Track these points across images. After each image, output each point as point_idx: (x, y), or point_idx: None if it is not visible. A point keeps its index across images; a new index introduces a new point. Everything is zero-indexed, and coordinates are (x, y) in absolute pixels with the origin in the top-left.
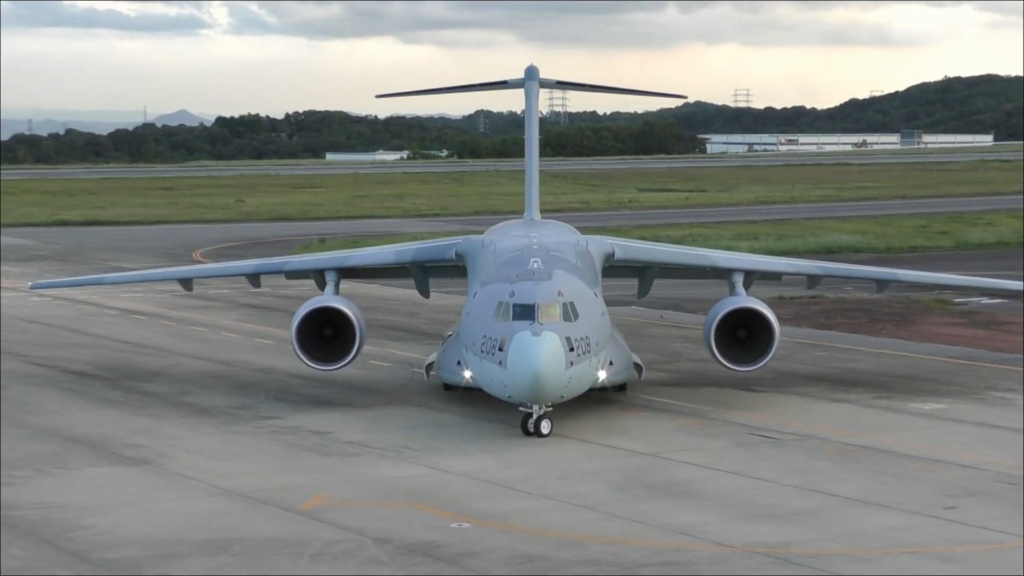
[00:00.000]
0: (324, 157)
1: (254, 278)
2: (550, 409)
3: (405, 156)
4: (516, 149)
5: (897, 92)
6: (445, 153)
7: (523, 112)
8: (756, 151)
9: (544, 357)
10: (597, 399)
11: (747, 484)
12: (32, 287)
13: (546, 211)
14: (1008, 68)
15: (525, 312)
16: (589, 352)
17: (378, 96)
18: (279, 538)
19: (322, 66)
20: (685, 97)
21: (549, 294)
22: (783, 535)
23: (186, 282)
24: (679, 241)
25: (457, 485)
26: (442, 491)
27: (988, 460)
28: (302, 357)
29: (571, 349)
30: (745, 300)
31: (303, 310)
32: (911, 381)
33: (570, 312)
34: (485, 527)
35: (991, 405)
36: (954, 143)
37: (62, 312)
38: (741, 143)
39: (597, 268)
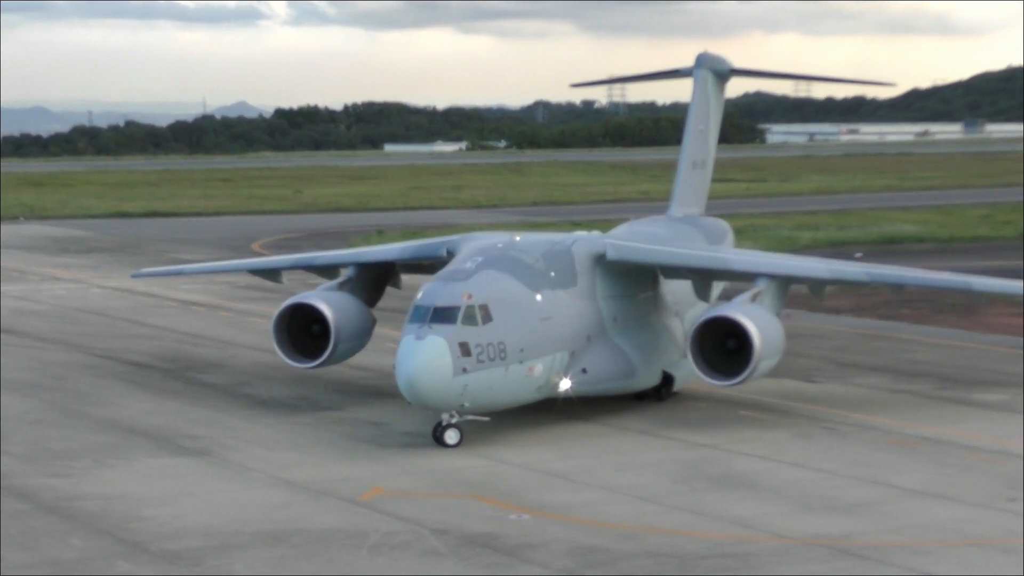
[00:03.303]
0: (383, 148)
1: (273, 274)
2: (456, 418)
3: (464, 147)
4: (574, 140)
5: (960, 81)
6: (504, 144)
7: (582, 103)
8: (817, 140)
9: (420, 362)
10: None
11: (807, 476)
12: (133, 276)
13: (606, 202)
14: None
15: (418, 314)
16: (505, 359)
17: (573, 85)
18: (338, 529)
19: (380, 57)
20: (894, 84)
21: (451, 296)
22: (844, 527)
23: (273, 273)
24: (739, 231)
25: (515, 476)
26: (500, 482)
27: None
28: (280, 353)
29: (466, 355)
30: (729, 308)
31: (281, 306)
32: (974, 372)
33: (476, 316)
34: (544, 519)
35: None
36: (1018, 132)
37: (122, 303)
38: (802, 132)
39: (579, 270)
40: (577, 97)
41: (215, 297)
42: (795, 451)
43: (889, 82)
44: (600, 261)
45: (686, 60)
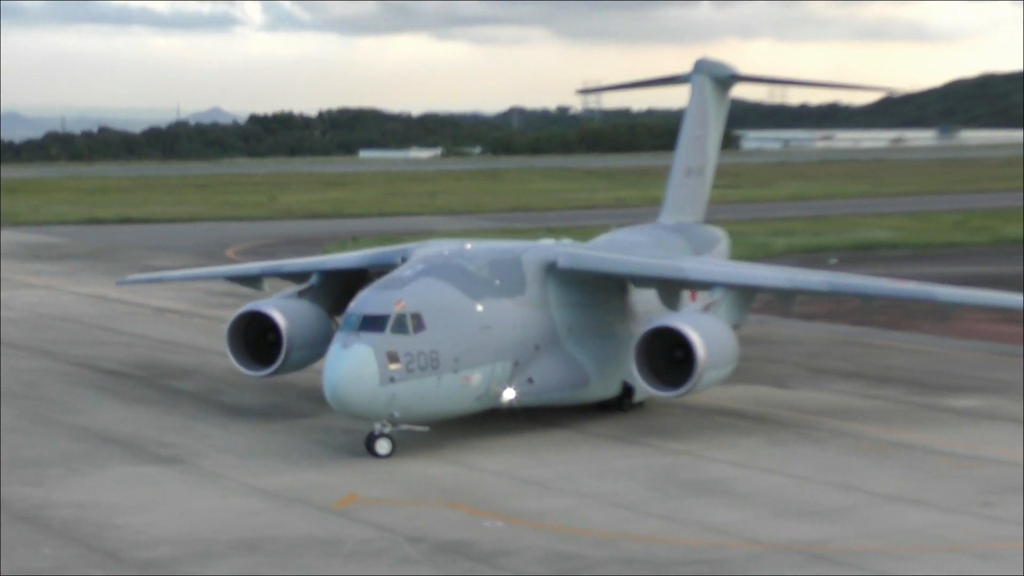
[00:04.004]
0: (357, 154)
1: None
2: (388, 428)
3: (439, 153)
4: (550, 146)
5: (934, 88)
6: (479, 150)
7: (557, 109)
8: (791, 147)
9: (345, 371)
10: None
11: (782, 482)
12: (119, 283)
13: (581, 208)
14: None
15: (348, 322)
16: (438, 368)
17: (579, 91)
18: (312, 537)
19: (355, 63)
20: (891, 89)
21: (382, 304)
22: (818, 533)
23: (254, 280)
24: None
25: (489, 483)
26: (474, 489)
27: None
28: (233, 361)
29: (394, 363)
30: (675, 318)
31: (236, 314)
32: (947, 377)
33: (407, 324)
34: (518, 525)
35: None
36: (991, 139)
37: (95, 310)
38: (776, 139)
39: (528, 278)
40: (552, 103)
41: (190, 304)
42: (769, 457)
43: (901, 88)
44: (552, 270)
45: (662, 65)
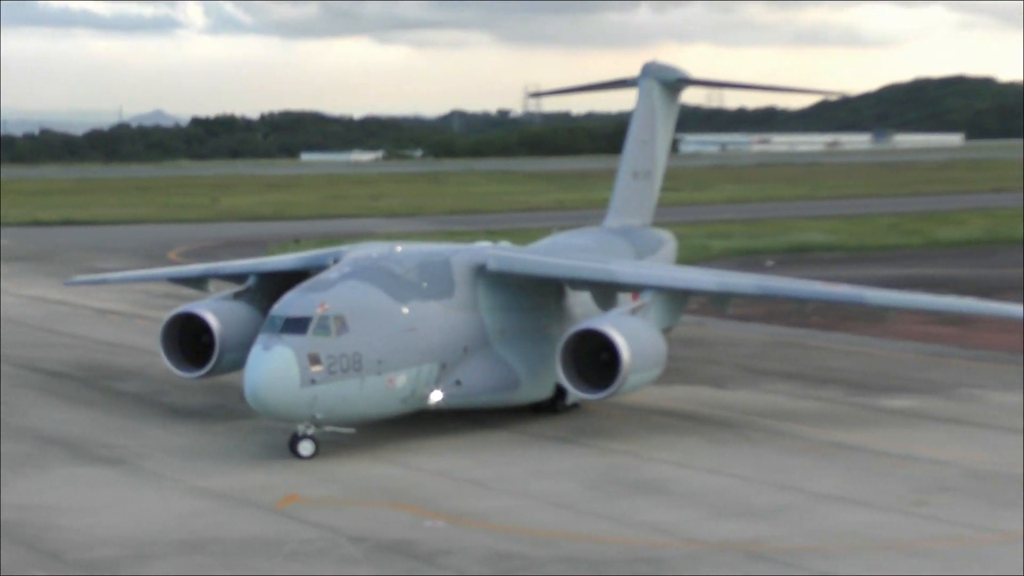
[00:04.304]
0: (299, 157)
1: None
2: (312, 429)
3: (380, 156)
4: (490, 149)
5: (868, 92)
6: (420, 153)
7: (498, 112)
8: (729, 150)
9: (265, 373)
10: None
11: (720, 481)
12: (66, 284)
13: (522, 210)
14: (977, 68)
15: (270, 324)
16: (361, 370)
17: (532, 95)
18: (255, 537)
19: (297, 66)
20: (841, 93)
21: (305, 307)
22: (755, 532)
23: (198, 281)
24: None
25: (431, 483)
26: (416, 490)
27: (958, 456)
28: (166, 361)
29: (316, 365)
30: (600, 320)
31: (169, 315)
32: (882, 378)
33: (330, 326)
34: (460, 525)
35: (960, 401)
36: (925, 142)
37: (38, 312)
38: (714, 142)
39: (457, 281)
40: (493, 107)
41: (132, 305)
42: (707, 457)
43: (842, 91)
44: (482, 272)
45: (602, 69)
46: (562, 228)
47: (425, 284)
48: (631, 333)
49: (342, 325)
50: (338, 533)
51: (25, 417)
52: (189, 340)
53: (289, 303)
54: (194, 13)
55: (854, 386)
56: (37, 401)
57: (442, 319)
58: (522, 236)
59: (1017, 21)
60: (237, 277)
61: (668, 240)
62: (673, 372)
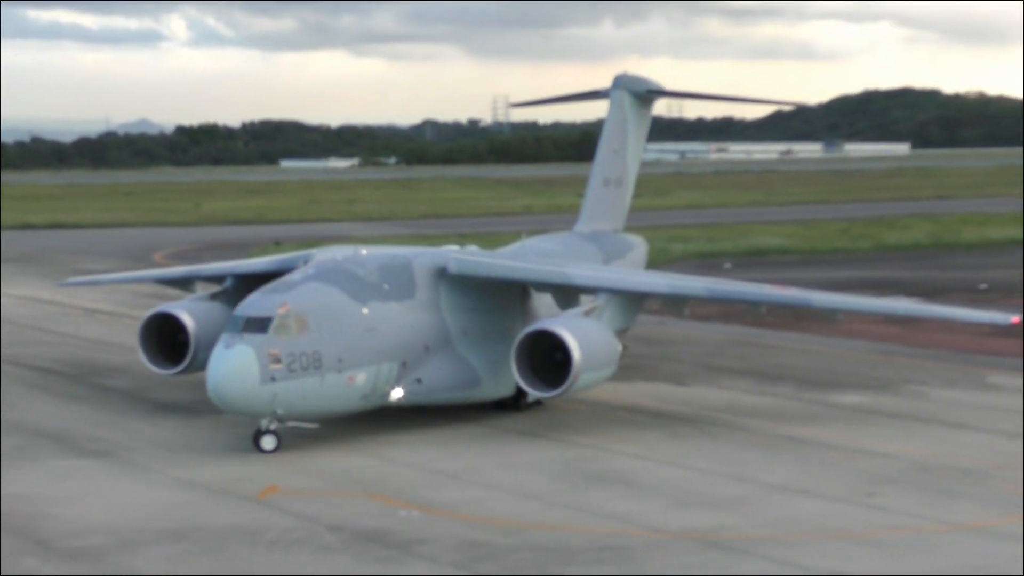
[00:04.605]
0: (279, 164)
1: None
2: (275, 424)
3: (356, 163)
4: (461, 156)
5: (820, 104)
6: (394, 160)
7: (468, 122)
8: (688, 158)
9: (227, 370)
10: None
11: (680, 473)
12: (61, 284)
13: (491, 215)
14: (923, 81)
15: (233, 324)
16: (321, 368)
17: (513, 105)
18: (237, 526)
19: (276, 77)
20: (800, 104)
21: (266, 307)
22: (714, 521)
23: (185, 282)
24: None
25: (405, 475)
26: (391, 481)
27: (904, 450)
28: (144, 359)
29: (276, 363)
30: (553, 321)
31: (146, 315)
32: (833, 375)
33: (291, 326)
34: (432, 515)
35: (907, 397)
36: (873, 151)
37: (28, 311)
38: (674, 150)
39: (419, 283)
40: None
41: (118, 305)
42: (668, 450)
43: (802, 101)
44: (443, 275)
45: (567, 81)
46: (530, 232)
47: (386, 286)
48: (582, 333)
49: (303, 325)
50: (317, 523)
51: (16, 412)
52: (166, 339)
53: (251, 304)
54: (178, 27)
55: (806, 383)
56: (28, 396)
57: (403, 319)
58: (492, 239)
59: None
60: (218, 278)
61: (637, 244)
62: (635, 369)
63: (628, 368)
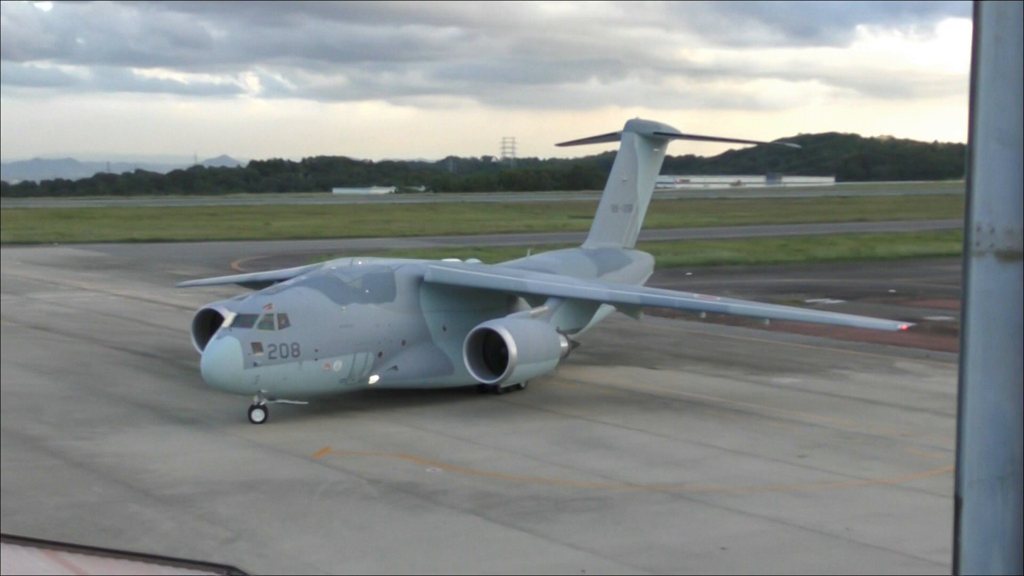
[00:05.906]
0: (331, 191)
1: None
2: (263, 401)
3: (393, 191)
4: (477, 186)
5: (763, 144)
6: (423, 188)
7: (483, 158)
8: (657, 188)
9: (215, 357)
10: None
11: (650, 439)
12: (177, 286)
13: (500, 232)
14: (845, 127)
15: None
16: (299, 356)
17: (558, 144)
18: (296, 479)
19: (329, 122)
20: (768, 142)
21: (254, 306)
22: (677, 477)
23: (257, 285)
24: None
25: (431, 439)
26: (419, 444)
27: (830, 420)
28: (195, 345)
29: (258, 352)
30: (497, 321)
31: (197, 311)
32: (774, 361)
33: (274, 322)
34: (452, 471)
35: (832, 379)
36: (806, 183)
37: (132, 308)
38: None
39: (399, 289)
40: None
41: (203, 303)
42: (640, 420)
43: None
44: (421, 282)
45: (562, 127)
46: (535, 246)
47: (367, 291)
48: (521, 332)
49: (285, 321)
50: (360, 476)
51: (122, 387)
52: (213, 329)
53: (244, 304)
54: (252, 82)
55: (752, 367)
56: (131, 375)
57: (380, 318)
58: (500, 252)
59: (875, 91)
60: (269, 283)
61: (638, 259)
62: (615, 356)
63: (609, 355)
